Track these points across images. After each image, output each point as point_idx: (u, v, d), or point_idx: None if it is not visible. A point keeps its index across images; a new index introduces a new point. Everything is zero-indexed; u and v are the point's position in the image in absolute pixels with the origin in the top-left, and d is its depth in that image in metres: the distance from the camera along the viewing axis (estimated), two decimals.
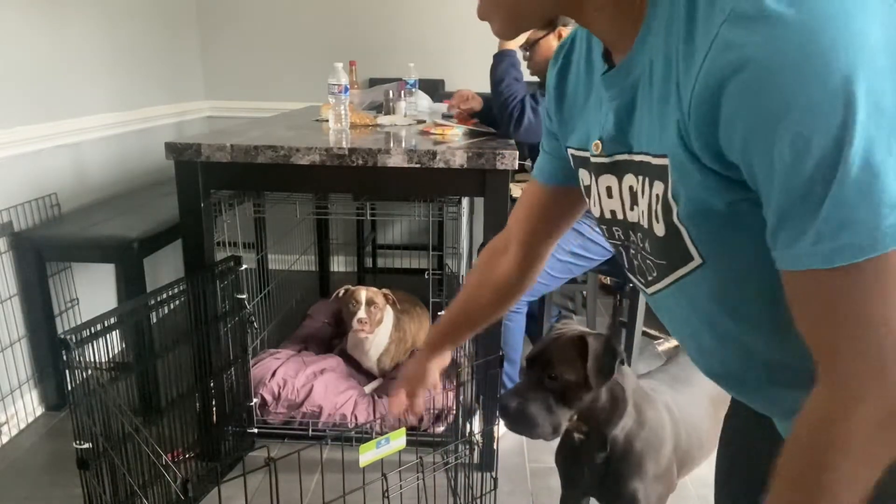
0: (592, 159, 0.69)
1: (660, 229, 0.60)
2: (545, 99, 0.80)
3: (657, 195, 0.59)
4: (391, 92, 2.47)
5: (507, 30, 0.62)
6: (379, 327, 2.28)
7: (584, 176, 0.73)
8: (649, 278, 0.68)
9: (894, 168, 0.44)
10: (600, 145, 0.65)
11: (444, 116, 2.44)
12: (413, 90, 2.54)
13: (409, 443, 1.23)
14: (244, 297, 1.93)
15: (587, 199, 0.75)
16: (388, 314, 2.34)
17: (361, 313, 2.22)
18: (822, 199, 0.45)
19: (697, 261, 0.59)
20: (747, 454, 0.80)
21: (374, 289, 2.28)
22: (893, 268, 0.46)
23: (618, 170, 0.65)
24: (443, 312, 1.05)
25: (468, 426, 2.04)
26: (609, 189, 0.67)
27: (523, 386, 1.14)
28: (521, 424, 1.12)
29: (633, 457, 1.18)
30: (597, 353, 1.11)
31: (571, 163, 0.76)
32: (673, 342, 2.79)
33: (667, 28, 0.54)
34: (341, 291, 2.30)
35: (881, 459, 0.50)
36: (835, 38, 0.43)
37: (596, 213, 0.72)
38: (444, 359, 1.06)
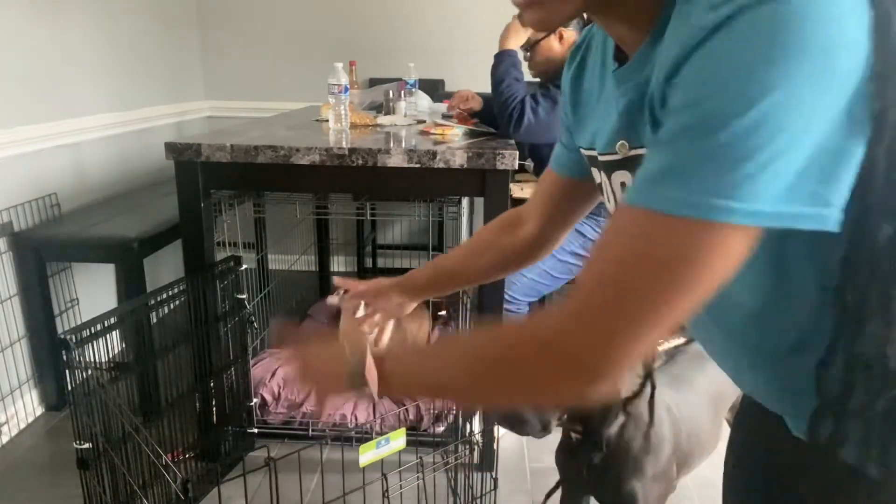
0: (600, 157, 0.69)
1: None
2: (561, 95, 0.82)
3: None
4: (391, 92, 2.46)
5: (549, 23, 0.61)
6: None
7: (595, 174, 0.74)
8: None
9: (775, 168, 0.44)
10: (627, 144, 0.65)
11: (444, 116, 2.44)
12: (413, 90, 2.53)
13: (409, 443, 1.24)
14: (244, 297, 1.93)
15: (602, 196, 0.76)
16: None
17: (360, 314, 2.21)
18: (696, 148, 0.46)
19: None
20: (754, 457, 0.80)
21: None
22: (703, 240, 0.46)
23: (631, 165, 0.65)
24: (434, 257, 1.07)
25: (468, 426, 2.04)
26: (623, 185, 0.68)
27: None
28: (510, 421, 1.14)
29: (631, 456, 1.18)
30: None
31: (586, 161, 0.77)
32: (673, 342, 2.78)
33: (678, 23, 0.54)
34: (341, 292, 2.29)
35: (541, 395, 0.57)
36: (795, 27, 0.43)
37: (611, 209, 0.73)
38: (407, 305, 1.09)
